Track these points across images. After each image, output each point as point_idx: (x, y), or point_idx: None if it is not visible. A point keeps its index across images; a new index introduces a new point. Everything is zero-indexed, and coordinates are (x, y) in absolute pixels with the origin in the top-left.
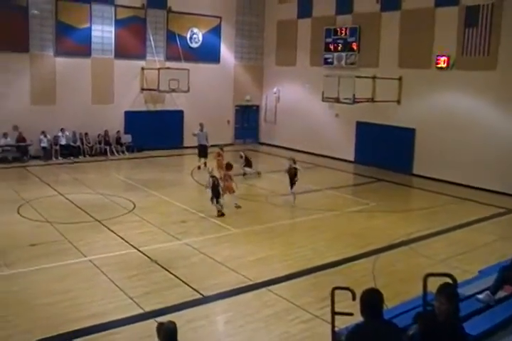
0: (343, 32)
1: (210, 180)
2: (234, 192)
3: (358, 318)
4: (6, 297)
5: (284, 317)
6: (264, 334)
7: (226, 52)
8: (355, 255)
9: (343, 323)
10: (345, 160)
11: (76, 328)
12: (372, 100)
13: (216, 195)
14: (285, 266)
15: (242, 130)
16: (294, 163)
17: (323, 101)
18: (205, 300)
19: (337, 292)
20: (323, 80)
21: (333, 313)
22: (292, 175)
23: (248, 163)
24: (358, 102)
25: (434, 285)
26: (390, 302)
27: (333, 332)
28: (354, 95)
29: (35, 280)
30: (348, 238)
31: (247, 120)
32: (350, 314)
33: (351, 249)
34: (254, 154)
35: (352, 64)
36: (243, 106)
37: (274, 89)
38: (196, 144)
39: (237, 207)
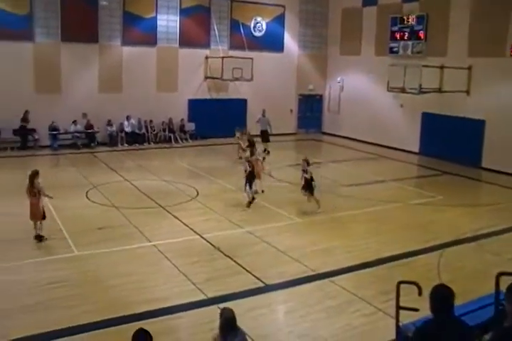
0: (410, 20)
1: (247, 164)
2: (260, 178)
3: (423, 314)
4: (79, 277)
5: (345, 309)
6: (325, 326)
7: (290, 41)
8: (420, 249)
9: (406, 318)
10: (410, 152)
11: (141, 311)
12: (439, 90)
13: (250, 181)
14: (348, 257)
15: (304, 119)
16: (308, 165)
17: (388, 91)
18: (267, 288)
19: (402, 286)
20: (388, 70)
21: (398, 308)
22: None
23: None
24: (425, 92)
25: (504, 284)
26: (455, 300)
27: (397, 326)
28: (420, 85)
29: (103, 263)
30: (412, 231)
31: (310, 109)
32: (416, 309)
33: (415, 243)
34: (317, 144)
35: (418, 53)
36: (306, 96)
37: (338, 79)
38: (259, 132)
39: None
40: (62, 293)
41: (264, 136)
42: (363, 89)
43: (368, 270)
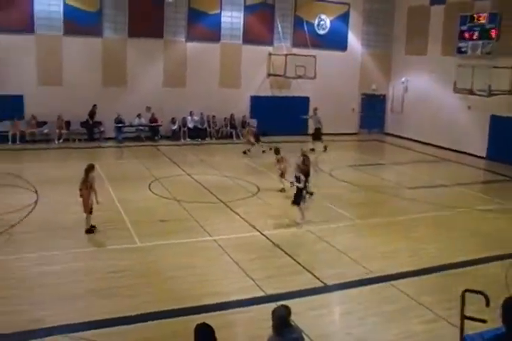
0: (481, 18)
1: (301, 158)
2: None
3: (490, 326)
4: (141, 267)
5: (405, 314)
6: (384, 330)
7: (353, 40)
8: (485, 257)
9: (471, 328)
10: (476, 156)
11: (200, 304)
12: (510, 92)
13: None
14: (409, 261)
15: (367, 119)
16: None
17: (454, 92)
18: (326, 289)
19: (466, 295)
20: (456, 70)
21: (463, 317)
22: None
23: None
24: (495, 94)
25: None
26: None
27: (462, 337)
28: (490, 87)
29: (165, 254)
30: (478, 238)
31: (373, 109)
32: (484, 321)
33: (480, 251)
34: (380, 145)
35: (488, 53)
36: (369, 95)
37: (402, 79)
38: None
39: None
40: (124, 282)
41: (316, 134)
42: (428, 89)
43: (429, 276)
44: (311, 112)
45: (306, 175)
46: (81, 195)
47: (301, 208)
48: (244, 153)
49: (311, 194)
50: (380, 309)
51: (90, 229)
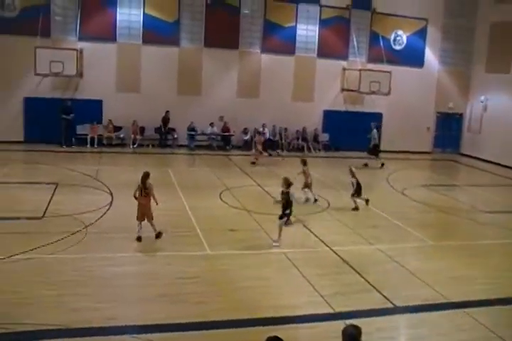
0: None
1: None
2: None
3: None
4: (210, 275)
5: None
6: None
7: (430, 56)
8: None
9: None
10: None
11: (267, 316)
12: None
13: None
14: (486, 289)
15: (442, 138)
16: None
17: None
18: (396, 310)
19: None
20: None
21: None
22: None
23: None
24: None
25: None
26: None
27: None
28: None
29: (234, 264)
30: None
31: (449, 128)
32: None
33: None
34: (454, 165)
35: None
36: (445, 114)
37: (482, 98)
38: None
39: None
40: (193, 289)
41: (373, 149)
42: (510, 109)
43: (509, 307)
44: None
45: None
46: (140, 204)
47: (280, 226)
48: (253, 163)
49: (316, 200)
50: (452, 337)
51: (159, 233)
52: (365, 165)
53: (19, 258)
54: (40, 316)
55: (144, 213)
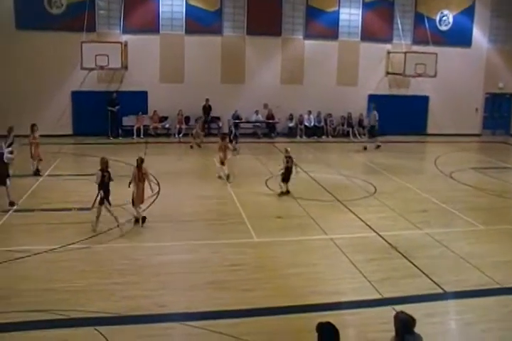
0: None
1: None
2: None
3: None
4: (257, 262)
5: None
6: None
7: (478, 35)
8: None
9: None
10: None
11: (315, 302)
12: None
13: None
14: None
15: (491, 120)
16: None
17: None
18: (445, 296)
19: None
20: None
21: None
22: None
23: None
24: None
25: None
26: None
27: None
28: None
29: (281, 251)
30: None
31: (498, 109)
32: None
33: None
34: (505, 147)
35: None
36: (494, 94)
37: None
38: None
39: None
40: (241, 276)
41: (372, 131)
42: None
43: None
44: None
45: (289, 174)
46: (138, 189)
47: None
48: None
49: (288, 192)
50: (505, 323)
51: (144, 219)
52: (365, 148)
53: (72, 247)
54: (94, 304)
55: (139, 197)
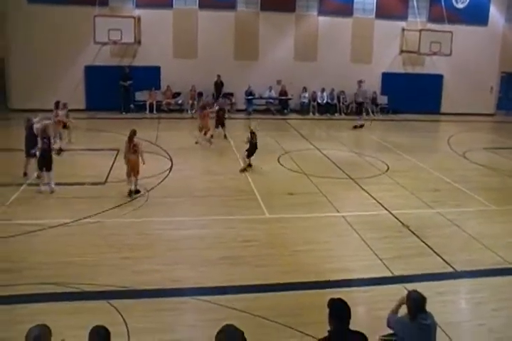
0: None
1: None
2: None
3: None
4: (270, 239)
5: None
6: None
7: (496, 13)
8: None
9: None
10: None
11: (326, 279)
12: None
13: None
14: None
15: (506, 100)
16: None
17: None
18: (456, 274)
19: None
20: None
21: None
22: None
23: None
24: None
25: None
26: None
27: None
28: None
29: (293, 227)
30: None
31: None
32: None
33: None
34: None
35: None
36: (510, 74)
37: None
38: None
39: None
40: (253, 252)
41: (359, 108)
42: None
43: None
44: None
45: (254, 149)
46: (129, 161)
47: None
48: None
49: (250, 166)
50: None
51: (137, 191)
52: (361, 126)
53: (85, 222)
54: (107, 277)
55: (132, 168)
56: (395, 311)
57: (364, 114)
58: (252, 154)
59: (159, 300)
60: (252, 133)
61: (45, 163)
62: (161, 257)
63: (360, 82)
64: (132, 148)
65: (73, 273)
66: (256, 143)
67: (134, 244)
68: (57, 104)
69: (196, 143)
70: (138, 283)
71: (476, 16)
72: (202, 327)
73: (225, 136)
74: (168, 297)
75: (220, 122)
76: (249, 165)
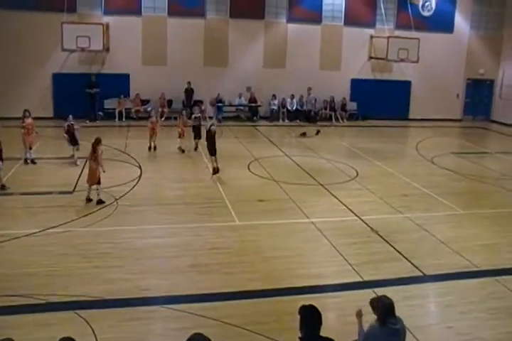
0: None
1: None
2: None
3: None
4: (239, 246)
5: None
6: (489, 327)
7: (460, 21)
8: None
9: None
10: None
11: (297, 285)
12: None
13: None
14: None
15: (472, 105)
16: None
17: None
18: (425, 278)
19: None
20: None
21: None
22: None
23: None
24: None
25: None
26: None
27: None
28: None
29: (263, 234)
30: None
31: (479, 95)
32: None
33: None
34: (485, 132)
35: None
36: (475, 80)
37: None
38: None
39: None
40: (223, 259)
41: (310, 115)
42: None
43: None
44: (296, 92)
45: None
46: (89, 168)
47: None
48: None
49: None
50: (484, 305)
51: (101, 201)
52: (303, 134)
53: (53, 231)
54: (75, 287)
55: (91, 176)
56: (361, 326)
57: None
58: (214, 152)
59: (129, 310)
60: (208, 131)
61: None
62: (130, 266)
63: (309, 89)
64: (93, 155)
65: (40, 284)
66: (212, 140)
67: (103, 253)
68: (23, 112)
69: (183, 151)
70: (107, 292)
71: (442, 24)
72: (172, 336)
73: (196, 148)
74: (137, 306)
75: (197, 135)
76: (216, 170)
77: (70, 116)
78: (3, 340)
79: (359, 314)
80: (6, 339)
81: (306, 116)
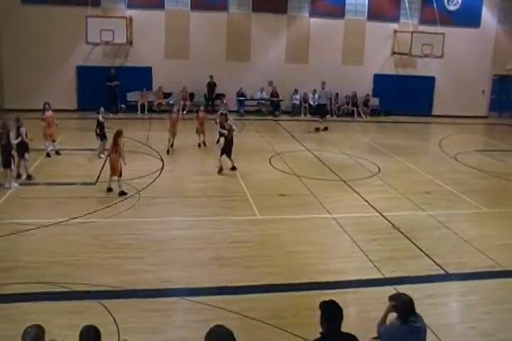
0: None
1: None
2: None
3: None
4: (260, 240)
5: None
6: None
7: (487, 16)
8: None
9: None
10: None
11: (317, 280)
12: None
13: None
14: None
15: (498, 102)
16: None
17: None
18: (447, 277)
19: None
20: None
21: None
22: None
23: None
24: None
25: None
26: None
27: None
28: None
29: (284, 228)
30: None
31: (506, 91)
32: None
33: None
34: (510, 130)
35: None
36: (502, 76)
37: None
38: None
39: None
40: (244, 253)
41: (321, 110)
42: None
43: None
44: (318, 87)
45: (230, 146)
46: (110, 160)
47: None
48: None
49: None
50: (508, 305)
51: (123, 192)
52: (317, 129)
53: (76, 222)
54: (97, 277)
55: (112, 168)
56: (384, 319)
57: (328, 115)
58: (230, 152)
59: (150, 301)
60: (228, 129)
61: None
62: (151, 257)
63: (323, 83)
64: (115, 148)
65: (64, 272)
66: (232, 140)
67: (125, 244)
68: (43, 105)
69: (199, 145)
70: (129, 283)
71: (468, 18)
72: (192, 327)
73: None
74: (158, 297)
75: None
76: (234, 168)
77: (102, 108)
78: (34, 327)
79: (389, 309)
80: (36, 325)
81: (317, 110)
